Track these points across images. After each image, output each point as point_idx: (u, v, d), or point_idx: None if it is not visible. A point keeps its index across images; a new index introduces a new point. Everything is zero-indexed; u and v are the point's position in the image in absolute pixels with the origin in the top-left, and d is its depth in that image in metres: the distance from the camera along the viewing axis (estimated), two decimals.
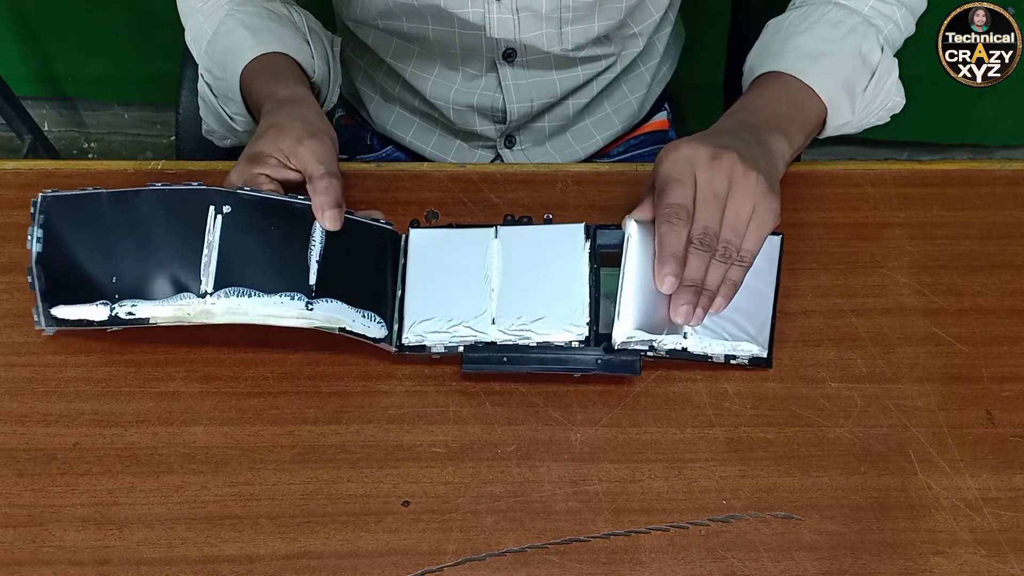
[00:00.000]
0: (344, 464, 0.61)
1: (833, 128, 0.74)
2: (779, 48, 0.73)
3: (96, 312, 0.62)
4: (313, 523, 0.59)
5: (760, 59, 0.75)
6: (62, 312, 0.63)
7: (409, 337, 0.65)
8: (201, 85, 0.81)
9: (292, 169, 0.66)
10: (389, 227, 0.68)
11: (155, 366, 0.65)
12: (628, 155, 1.00)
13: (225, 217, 0.62)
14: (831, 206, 0.74)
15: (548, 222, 0.70)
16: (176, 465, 0.61)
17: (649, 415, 0.64)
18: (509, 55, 0.85)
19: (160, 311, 0.61)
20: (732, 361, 0.65)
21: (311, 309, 0.62)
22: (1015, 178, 0.77)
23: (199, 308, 0.61)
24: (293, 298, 0.61)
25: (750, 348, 0.64)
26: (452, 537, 0.58)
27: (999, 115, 1.62)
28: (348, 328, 0.63)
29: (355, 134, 1.01)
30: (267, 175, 0.65)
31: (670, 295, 0.62)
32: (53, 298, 0.64)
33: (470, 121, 0.91)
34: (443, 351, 0.65)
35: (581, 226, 0.67)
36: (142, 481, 0.60)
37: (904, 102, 0.76)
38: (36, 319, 0.64)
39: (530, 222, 0.70)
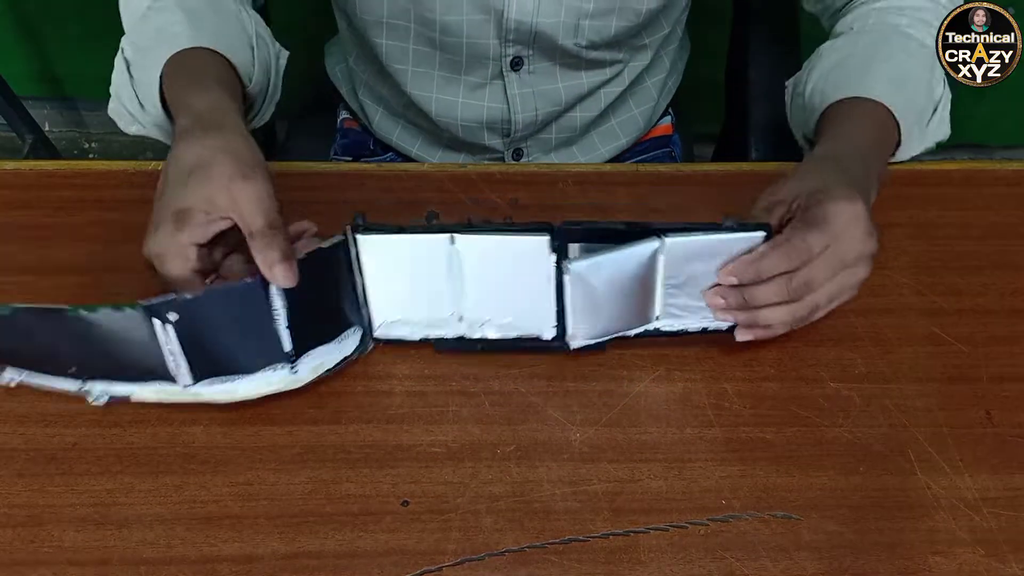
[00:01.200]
0: (343, 464, 0.61)
1: (899, 159, 0.75)
2: (861, 72, 0.73)
3: (67, 384, 0.61)
4: (312, 523, 0.59)
5: (838, 84, 0.73)
6: (30, 378, 0.62)
7: (380, 331, 0.66)
8: (119, 58, 0.72)
9: (223, 219, 0.59)
10: (335, 241, 0.62)
11: None
12: (632, 161, 1.00)
13: (175, 325, 0.57)
14: None
15: (508, 224, 0.62)
16: (175, 465, 0.61)
17: (649, 415, 0.64)
18: (516, 63, 0.84)
19: (140, 390, 0.61)
20: (708, 329, 0.65)
21: (296, 372, 0.62)
22: (1015, 178, 0.77)
23: (184, 394, 0.61)
24: (276, 370, 0.61)
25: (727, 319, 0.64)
26: (451, 537, 0.58)
27: (999, 115, 1.62)
28: (331, 368, 0.63)
29: (359, 138, 1.01)
30: (196, 243, 0.59)
31: (635, 299, 0.63)
32: (16, 363, 0.62)
33: (478, 135, 0.91)
34: (418, 340, 0.66)
35: (545, 240, 0.60)
36: (141, 481, 0.60)
37: (950, 133, 0.77)
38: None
39: (489, 225, 0.61)
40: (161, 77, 0.67)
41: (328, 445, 0.62)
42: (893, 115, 0.71)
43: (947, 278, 0.71)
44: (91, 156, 1.80)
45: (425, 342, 0.66)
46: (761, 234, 0.61)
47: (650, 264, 0.61)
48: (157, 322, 0.57)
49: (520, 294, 0.63)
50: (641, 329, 0.65)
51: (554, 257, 0.61)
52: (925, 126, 0.75)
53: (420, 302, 0.64)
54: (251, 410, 0.63)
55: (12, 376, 0.62)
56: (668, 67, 0.96)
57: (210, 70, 0.68)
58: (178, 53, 0.67)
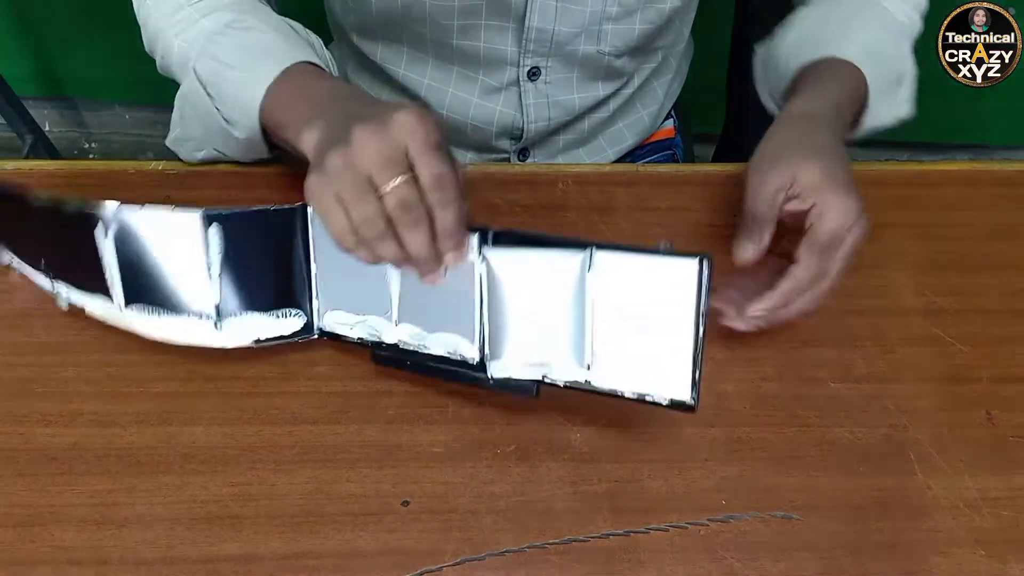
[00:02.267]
0: (343, 464, 0.61)
1: (863, 130, 0.75)
2: (838, 35, 0.74)
3: (42, 280, 0.66)
4: (312, 523, 0.59)
5: (813, 44, 0.74)
6: (19, 265, 0.67)
7: (325, 323, 0.64)
8: (190, 81, 0.69)
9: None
10: (291, 207, 0.62)
11: (155, 366, 0.65)
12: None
13: (117, 235, 0.59)
14: None
15: None
16: (175, 465, 0.61)
17: (649, 415, 0.64)
18: (534, 74, 0.84)
19: (90, 304, 0.63)
20: (648, 400, 0.58)
21: (219, 329, 0.62)
22: (1016, 179, 0.77)
23: (118, 315, 0.62)
24: (200, 318, 0.61)
25: (668, 388, 0.57)
26: (451, 537, 0.58)
27: (1000, 115, 1.62)
28: (262, 339, 0.63)
29: None
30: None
31: (563, 322, 0.58)
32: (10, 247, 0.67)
33: (486, 135, 0.91)
34: (356, 341, 0.64)
35: (474, 237, 0.58)
36: (141, 481, 0.60)
37: (913, 112, 0.78)
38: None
39: None
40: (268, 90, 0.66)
41: (328, 445, 0.62)
42: (865, 81, 0.72)
43: (948, 279, 0.71)
44: (91, 156, 1.80)
45: (363, 345, 0.64)
46: (694, 261, 0.55)
47: (579, 281, 0.57)
48: (100, 228, 0.59)
49: (448, 298, 0.60)
50: (571, 379, 0.59)
51: (479, 256, 0.58)
52: (892, 98, 0.76)
53: (362, 287, 0.62)
54: (251, 410, 0.63)
55: (8, 259, 0.68)
56: (675, 68, 0.96)
57: (326, 77, 0.68)
58: (287, 70, 0.66)
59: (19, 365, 0.65)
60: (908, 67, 0.77)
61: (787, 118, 0.69)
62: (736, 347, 0.66)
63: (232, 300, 0.61)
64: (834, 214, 0.62)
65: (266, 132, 0.68)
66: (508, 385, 0.61)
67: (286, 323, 0.63)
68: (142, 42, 0.77)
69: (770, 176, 0.64)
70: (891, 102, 0.76)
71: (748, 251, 0.64)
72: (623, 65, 0.86)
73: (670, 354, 0.57)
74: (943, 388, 0.65)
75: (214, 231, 0.60)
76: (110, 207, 0.59)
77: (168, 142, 0.75)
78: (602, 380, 0.58)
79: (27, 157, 1.61)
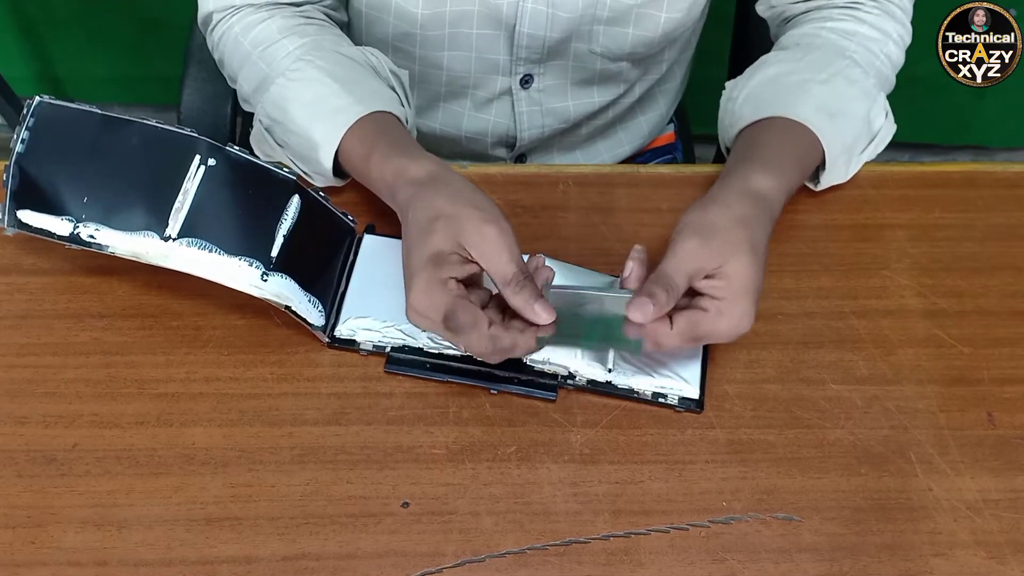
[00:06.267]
0: (343, 465, 0.61)
1: (819, 186, 0.73)
2: (796, 93, 0.70)
3: (59, 225, 0.64)
4: (312, 524, 0.59)
5: (771, 99, 0.71)
6: (27, 216, 0.65)
7: (342, 331, 0.66)
8: (256, 124, 0.75)
9: (473, 262, 0.60)
10: (348, 218, 0.70)
11: (155, 367, 0.65)
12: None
13: (208, 170, 0.63)
14: (833, 207, 0.74)
15: None
16: (175, 466, 0.61)
17: (649, 416, 0.64)
18: (526, 81, 0.83)
19: (121, 241, 0.63)
20: (660, 400, 0.63)
21: (265, 280, 0.63)
22: (1016, 180, 0.77)
23: (159, 250, 0.63)
24: (251, 264, 0.63)
25: (680, 388, 0.63)
26: (451, 539, 0.58)
27: (1000, 117, 1.62)
28: (294, 309, 0.64)
29: None
30: (455, 278, 0.59)
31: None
32: (23, 201, 0.65)
33: (481, 145, 0.90)
34: (371, 349, 0.65)
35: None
36: (141, 482, 0.60)
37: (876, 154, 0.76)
38: (0, 217, 0.66)
39: None
40: (337, 155, 0.69)
41: (328, 446, 0.62)
42: (820, 141, 0.69)
43: (948, 280, 0.71)
44: None
45: (379, 352, 0.65)
46: None
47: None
48: (197, 159, 0.63)
49: None
50: (592, 378, 0.64)
51: None
52: (858, 155, 0.73)
53: (395, 300, 0.64)
54: (251, 411, 0.63)
55: (10, 224, 0.65)
56: (679, 77, 0.96)
57: (391, 132, 0.69)
58: (352, 127, 0.68)
59: (19, 366, 0.65)
60: (881, 122, 0.74)
61: (744, 191, 0.63)
62: (737, 348, 0.66)
63: (285, 262, 0.64)
64: (731, 322, 0.59)
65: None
66: (532, 385, 0.64)
67: (313, 311, 0.65)
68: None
69: (703, 252, 0.59)
70: (861, 156, 0.74)
71: (647, 314, 0.57)
72: (621, 71, 0.85)
73: (683, 360, 0.64)
74: (944, 389, 0.65)
75: (296, 199, 0.65)
76: (208, 142, 0.64)
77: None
78: (620, 381, 0.64)
79: None
